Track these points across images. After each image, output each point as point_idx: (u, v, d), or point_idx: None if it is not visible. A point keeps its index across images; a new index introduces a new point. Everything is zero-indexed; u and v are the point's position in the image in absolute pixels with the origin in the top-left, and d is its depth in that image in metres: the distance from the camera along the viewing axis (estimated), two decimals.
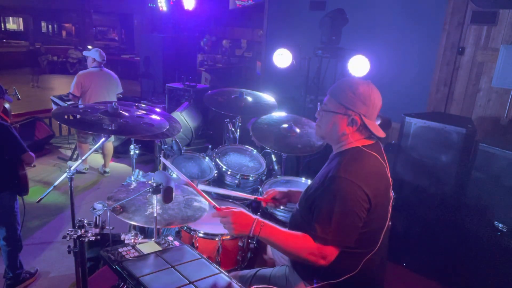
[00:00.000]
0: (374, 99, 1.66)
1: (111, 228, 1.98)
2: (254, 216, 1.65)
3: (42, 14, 18.48)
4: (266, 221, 1.64)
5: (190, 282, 1.47)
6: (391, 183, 1.71)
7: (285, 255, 1.78)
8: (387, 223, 1.67)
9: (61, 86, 12.19)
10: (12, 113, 5.75)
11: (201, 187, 2.22)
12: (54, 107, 5.59)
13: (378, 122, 3.13)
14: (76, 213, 2.31)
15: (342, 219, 1.54)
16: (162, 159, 2.20)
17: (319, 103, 1.82)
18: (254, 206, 2.75)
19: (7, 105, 4.54)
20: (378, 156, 1.67)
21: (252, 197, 2.22)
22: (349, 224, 1.55)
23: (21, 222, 2.94)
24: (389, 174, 1.70)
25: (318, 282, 1.67)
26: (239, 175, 2.85)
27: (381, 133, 1.69)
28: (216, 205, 1.75)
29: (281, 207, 2.41)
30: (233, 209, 1.67)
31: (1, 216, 2.85)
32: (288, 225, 1.86)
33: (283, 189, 2.10)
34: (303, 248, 1.56)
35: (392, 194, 2.73)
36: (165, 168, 2.95)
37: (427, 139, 3.11)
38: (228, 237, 2.24)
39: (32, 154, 2.85)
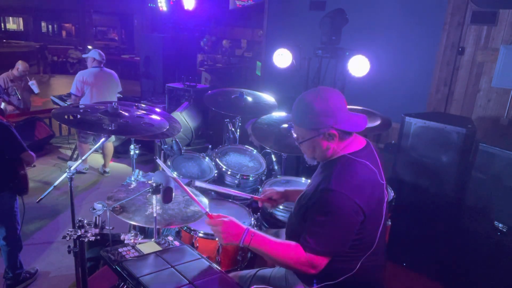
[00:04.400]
0: (334, 105, 1.60)
1: (111, 228, 1.98)
2: (245, 227, 1.63)
3: (42, 14, 18.45)
4: (257, 232, 1.63)
5: (190, 282, 1.47)
6: (384, 187, 1.69)
7: (276, 264, 1.78)
8: (381, 224, 1.66)
9: (61, 86, 12.19)
10: (13, 113, 5.75)
11: (198, 183, 2.20)
12: (35, 86, 5.58)
13: (378, 122, 3.14)
14: (76, 213, 2.30)
15: (334, 232, 1.54)
16: (158, 161, 2.19)
17: (292, 130, 1.81)
18: (255, 206, 2.75)
19: (2, 105, 4.53)
20: (368, 163, 1.63)
21: (248, 195, 2.22)
22: (341, 237, 1.55)
23: (21, 221, 2.94)
24: (382, 178, 1.66)
25: (317, 283, 1.67)
26: (239, 175, 2.85)
27: (360, 126, 1.64)
28: (208, 211, 1.74)
29: (280, 207, 2.41)
30: (224, 218, 1.64)
31: (1, 216, 2.85)
32: (285, 231, 1.87)
33: (280, 189, 2.10)
34: (293, 258, 1.56)
35: (392, 193, 2.74)
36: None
37: (427, 139, 3.11)
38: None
39: (32, 154, 2.85)
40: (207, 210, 1.78)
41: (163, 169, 2.85)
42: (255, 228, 2.17)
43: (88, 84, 4.82)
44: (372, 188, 1.61)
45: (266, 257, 1.65)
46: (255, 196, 2.16)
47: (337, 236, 1.55)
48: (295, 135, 1.73)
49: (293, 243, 1.60)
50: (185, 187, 1.84)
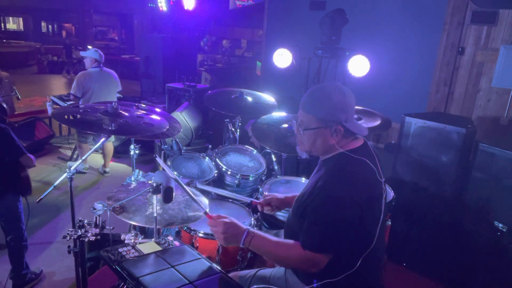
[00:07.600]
0: (349, 103, 1.63)
1: (111, 228, 1.98)
2: (245, 227, 1.63)
3: (42, 14, 18.49)
4: (257, 232, 1.63)
5: (190, 282, 1.47)
6: (383, 184, 1.67)
7: (277, 264, 1.78)
8: (380, 221, 1.65)
9: (61, 85, 12.20)
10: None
11: (200, 186, 2.22)
12: (50, 107, 5.55)
13: (378, 122, 3.14)
14: (76, 213, 2.31)
15: (332, 229, 1.53)
16: (158, 159, 2.18)
17: (294, 120, 1.76)
18: (255, 206, 2.75)
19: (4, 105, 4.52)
20: (367, 160, 1.63)
21: (248, 199, 2.22)
22: (339, 234, 1.54)
23: (25, 222, 2.94)
24: (381, 175, 1.65)
25: (317, 281, 1.66)
26: (239, 175, 2.84)
27: (364, 131, 1.68)
28: (208, 212, 1.74)
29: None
30: (224, 219, 1.64)
31: (6, 217, 2.85)
32: (284, 233, 1.87)
33: (281, 195, 2.10)
34: (293, 257, 1.57)
35: (392, 193, 2.74)
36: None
37: (427, 139, 3.11)
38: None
39: (32, 157, 2.82)
40: (207, 210, 1.78)
41: (163, 169, 2.85)
42: (255, 228, 2.16)
43: (89, 84, 4.82)
44: (370, 185, 1.61)
45: (266, 257, 1.65)
46: (255, 201, 2.16)
47: (335, 232, 1.54)
48: (299, 121, 1.70)
49: (292, 242, 1.61)
50: (186, 187, 1.84)
